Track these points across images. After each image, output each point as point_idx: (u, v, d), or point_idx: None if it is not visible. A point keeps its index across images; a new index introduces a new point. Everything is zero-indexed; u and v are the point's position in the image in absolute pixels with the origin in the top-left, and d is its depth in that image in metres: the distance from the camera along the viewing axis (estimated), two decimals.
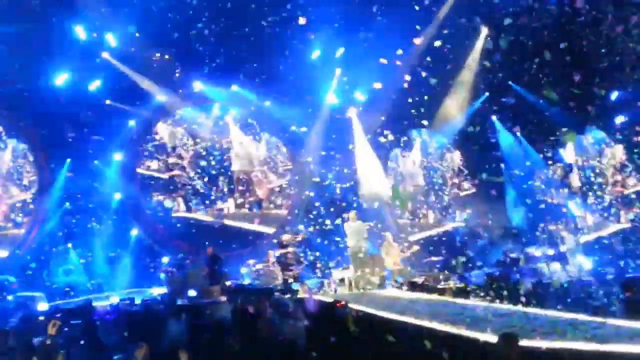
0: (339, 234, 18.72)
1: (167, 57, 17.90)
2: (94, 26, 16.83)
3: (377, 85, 17.98)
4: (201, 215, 18.58)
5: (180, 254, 16.82)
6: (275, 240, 15.59)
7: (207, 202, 18.67)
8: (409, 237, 18.47)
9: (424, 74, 17.72)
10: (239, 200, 19.05)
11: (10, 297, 12.95)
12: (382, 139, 19.48)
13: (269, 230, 18.81)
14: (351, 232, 13.61)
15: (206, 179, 18.83)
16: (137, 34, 17.13)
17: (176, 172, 18.62)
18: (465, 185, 20.89)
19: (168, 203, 18.23)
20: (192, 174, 18.78)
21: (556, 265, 14.23)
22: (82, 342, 9.13)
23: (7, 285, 13.72)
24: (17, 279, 14.45)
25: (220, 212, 18.77)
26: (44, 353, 7.18)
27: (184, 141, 18.99)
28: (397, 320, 7.76)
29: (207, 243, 16.19)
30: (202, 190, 18.70)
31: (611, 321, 6.77)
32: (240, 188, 19.17)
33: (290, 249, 14.80)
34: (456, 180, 20.96)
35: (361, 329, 7.84)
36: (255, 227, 18.84)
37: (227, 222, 18.65)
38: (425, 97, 18.34)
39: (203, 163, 18.90)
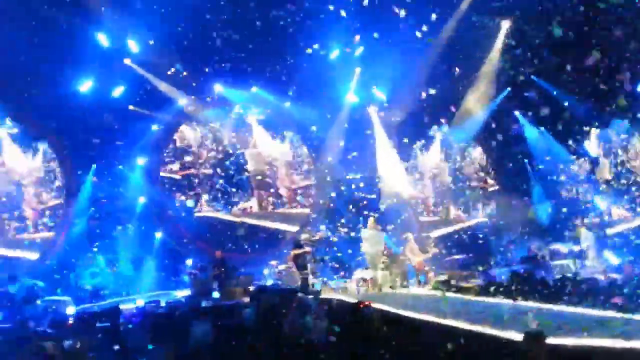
0: (359, 233, 18.75)
1: (183, 71, 18.05)
2: (116, 33, 17.07)
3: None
4: (224, 215, 18.73)
5: (204, 256, 17.04)
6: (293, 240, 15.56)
7: (230, 201, 18.84)
8: (431, 234, 18.26)
9: (444, 69, 17.68)
10: (263, 201, 19.14)
11: (39, 302, 13.17)
12: (404, 139, 19.44)
13: (292, 229, 18.85)
14: (367, 237, 13.62)
15: (230, 179, 18.97)
16: (155, 41, 17.33)
17: (198, 171, 18.80)
18: (489, 180, 20.64)
19: (190, 203, 18.43)
20: (213, 173, 18.94)
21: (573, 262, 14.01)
22: (111, 345, 9.28)
23: (37, 289, 13.99)
24: (45, 283, 14.72)
25: (243, 211, 18.91)
26: (74, 356, 7.30)
27: (205, 142, 19.18)
28: (421, 319, 7.69)
29: (230, 245, 16.27)
30: (224, 190, 18.85)
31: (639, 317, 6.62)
32: (262, 189, 19.28)
33: (306, 249, 14.80)
34: (479, 176, 20.72)
35: (386, 328, 7.80)
36: (278, 225, 18.87)
37: (249, 221, 18.75)
38: (446, 93, 18.23)
39: (226, 163, 19.08)
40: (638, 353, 5.08)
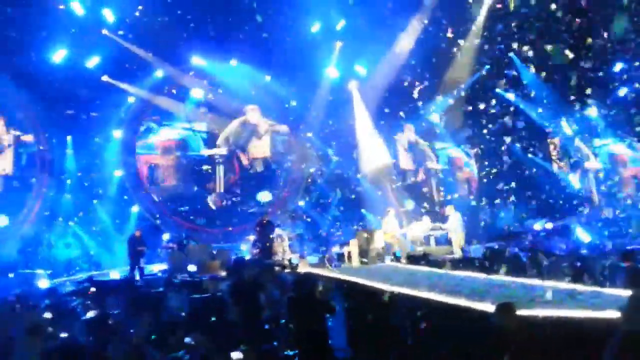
0: (338, 209, 18.80)
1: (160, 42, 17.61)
2: (91, 2, 16.61)
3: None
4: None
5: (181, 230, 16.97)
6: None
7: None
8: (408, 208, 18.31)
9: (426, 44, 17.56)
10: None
11: (11, 275, 12.99)
12: (383, 113, 19.36)
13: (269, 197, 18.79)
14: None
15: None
16: (131, 11, 16.91)
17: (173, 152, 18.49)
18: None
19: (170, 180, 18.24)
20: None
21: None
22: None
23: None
24: (19, 255, 14.50)
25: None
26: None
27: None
28: (393, 291, 7.75)
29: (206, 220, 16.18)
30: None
31: (608, 290, 6.77)
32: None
33: (266, 218, 14.86)
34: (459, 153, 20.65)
35: (356, 301, 7.87)
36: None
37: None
38: (428, 67, 18.17)
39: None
40: (604, 323, 5.19)
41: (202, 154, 18.73)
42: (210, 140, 18.87)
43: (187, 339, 6.07)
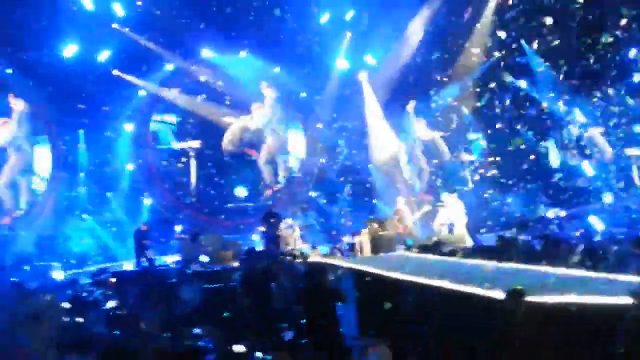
0: (349, 200, 18.79)
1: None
2: None
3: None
4: None
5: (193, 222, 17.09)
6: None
7: None
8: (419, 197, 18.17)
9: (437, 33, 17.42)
10: None
11: (27, 267, 13.20)
12: (395, 104, 19.21)
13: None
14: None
15: None
16: (141, 4, 16.98)
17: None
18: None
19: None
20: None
21: None
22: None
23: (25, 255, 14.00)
24: (34, 248, 14.72)
25: None
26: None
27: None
28: (403, 279, 7.75)
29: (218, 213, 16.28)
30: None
31: (621, 277, 6.70)
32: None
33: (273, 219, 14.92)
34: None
35: (368, 289, 7.89)
36: None
37: None
38: (439, 56, 18.02)
39: None
40: (615, 308, 5.16)
41: (173, 146, 18.54)
42: (180, 132, 18.72)
43: (196, 330, 6.14)
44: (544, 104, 18.27)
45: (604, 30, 16.73)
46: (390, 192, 17.96)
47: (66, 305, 8.70)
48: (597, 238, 11.80)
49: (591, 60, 16.93)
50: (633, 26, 16.36)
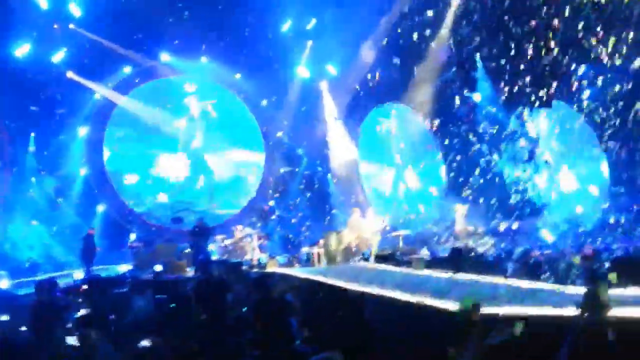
0: (308, 210, 18.78)
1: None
2: None
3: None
4: None
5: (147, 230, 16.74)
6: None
7: None
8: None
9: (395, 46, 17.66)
10: None
11: None
12: (354, 114, 19.36)
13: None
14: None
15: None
16: (98, 6, 16.60)
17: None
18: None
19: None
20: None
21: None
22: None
23: None
24: None
25: None
26: None
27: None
28: (357, 290, 7.77)
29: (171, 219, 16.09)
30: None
31: (569, 289, 6.90)
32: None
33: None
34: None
35: (322, 300, 7.84)
36: None
37: None
38: (396, 71, 18.26)
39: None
40: (562, 319, 5.29)
41: None
42: None
43: (144, 342, 5.94)
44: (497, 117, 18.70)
45: (555, 47, 17.25)
46: (349, 202, 18.04)
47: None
48: (548, 251, 12.08)
49: (543, 76, 17.39)
50: (583, 43, 16.89)
